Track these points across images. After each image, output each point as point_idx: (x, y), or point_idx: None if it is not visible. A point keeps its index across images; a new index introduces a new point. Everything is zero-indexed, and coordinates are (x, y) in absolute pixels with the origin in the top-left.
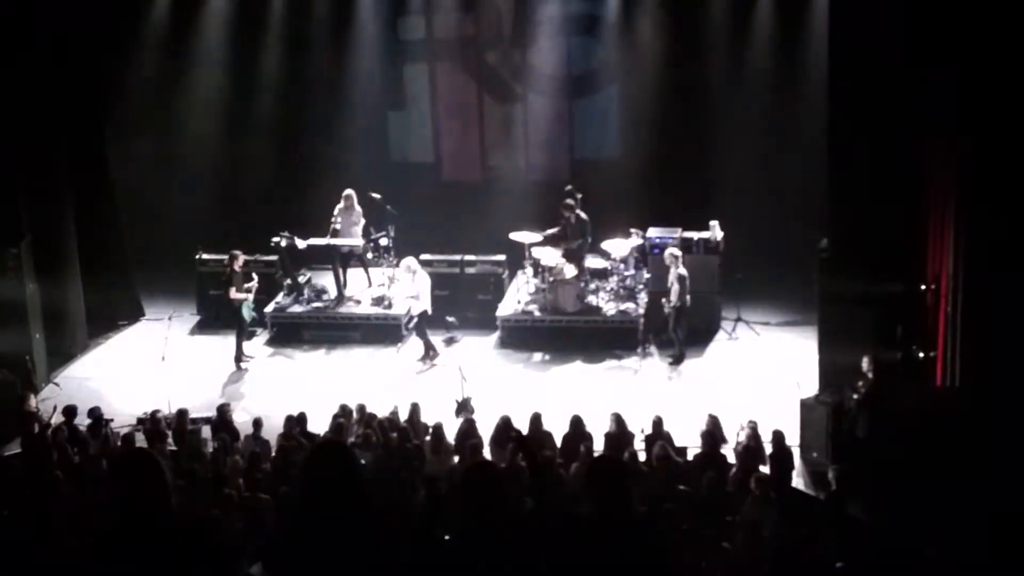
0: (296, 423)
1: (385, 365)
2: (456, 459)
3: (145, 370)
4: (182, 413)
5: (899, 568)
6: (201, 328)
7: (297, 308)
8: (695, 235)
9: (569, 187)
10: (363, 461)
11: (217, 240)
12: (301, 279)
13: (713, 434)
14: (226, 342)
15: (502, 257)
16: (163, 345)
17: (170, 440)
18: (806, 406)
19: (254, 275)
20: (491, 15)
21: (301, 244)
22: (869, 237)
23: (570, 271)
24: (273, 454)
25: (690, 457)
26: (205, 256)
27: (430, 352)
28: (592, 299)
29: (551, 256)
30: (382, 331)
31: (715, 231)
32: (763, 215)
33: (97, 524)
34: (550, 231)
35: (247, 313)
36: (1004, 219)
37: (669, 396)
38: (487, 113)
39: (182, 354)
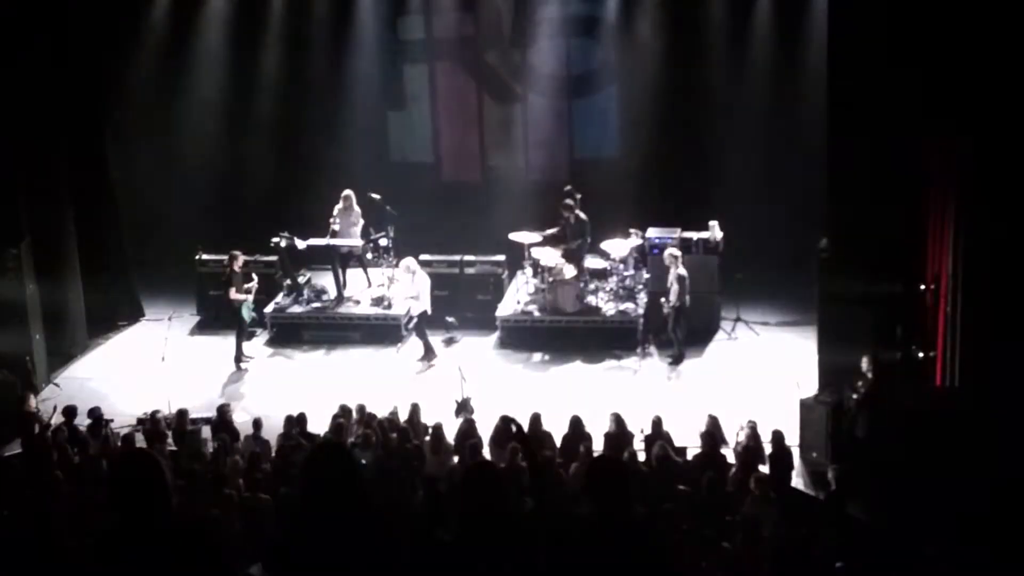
0: (296, 423)
1: (385, 365)
2: (456, 459)
3: (145, 370)
4: (182, 413)
5: (899, 568)
6: (201, 328)
7: (297, 308)
8: (694, 235)
9: (568, 187)
10: (363, 461)
11: (217, 240)
12: (301, 279)
13: (713, 434)
14: (226, 342)
15: (502, 257)
16: (163, 345)
17: (170, 440)
18: (806, 406)
19: (254, 275)
20: (491, 15)
21: (301, 244)
22: (869, 237)
23: (569, 271)
24: (273, 454)
25: (690, 457)
26: (205, 256)
27: (429, 353)
28: (591, 299)
29: (551, 256)
30: (382, 331)
31: (714, 231)
32: (763, 215)
33: (97, 524)
34: (549, 231)
35: (247, 313)
36: (1004, 219)
37: (669, 396)
38: (487, 113)
39: (182, 354)
